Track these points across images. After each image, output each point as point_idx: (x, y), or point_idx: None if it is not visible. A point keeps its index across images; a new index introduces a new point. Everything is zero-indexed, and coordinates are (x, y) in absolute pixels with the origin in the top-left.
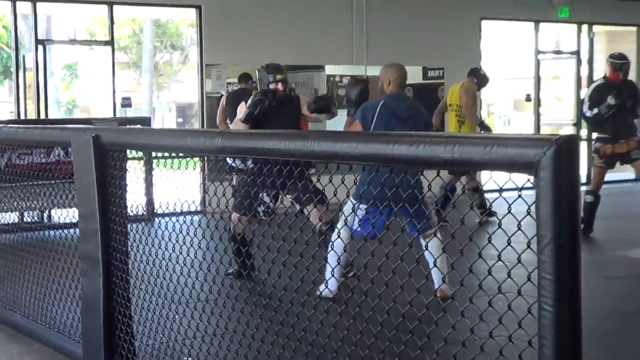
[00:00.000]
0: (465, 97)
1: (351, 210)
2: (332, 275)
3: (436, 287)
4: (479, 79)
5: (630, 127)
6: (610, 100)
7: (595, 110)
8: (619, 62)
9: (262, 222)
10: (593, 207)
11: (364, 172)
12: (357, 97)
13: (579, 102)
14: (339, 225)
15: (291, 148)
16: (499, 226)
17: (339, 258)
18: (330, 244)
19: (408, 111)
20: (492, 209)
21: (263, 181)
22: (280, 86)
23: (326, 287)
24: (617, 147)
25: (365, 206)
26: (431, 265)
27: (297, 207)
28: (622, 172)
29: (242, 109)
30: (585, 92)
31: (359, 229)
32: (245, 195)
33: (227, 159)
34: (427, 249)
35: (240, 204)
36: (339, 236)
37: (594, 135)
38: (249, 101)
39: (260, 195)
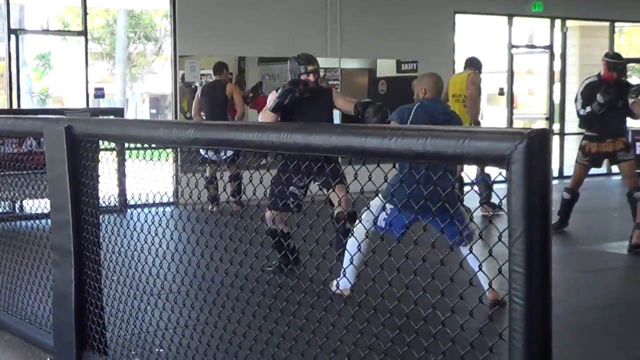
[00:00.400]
0: (473, 88)
1: (379, 209)
2: (344, 274)
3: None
4: (480, 69)
5: (618, 127)
6: (599, 98)
7: (589, 109)
8: (613, 61)
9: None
10: (570, 204)
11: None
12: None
13: (573, 99)
14: (359, 224)
15: (264, 140)
16: (471, 219)
17: (351, 258)
18: (347, 242)
19: (445, 114)
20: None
21: (293, 173)
22: (311, 77)
23: (337, 284)
24: (604, 146)
25: (392, 207)
26: (476, 269)
27: (325, 192)
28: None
29: (272, 99)
30: (578, 90)
31: (383, 225)
32: (279, 192)
33: (200, 150)
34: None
35: (275, 202)
36: (352, 234)
37: (571, 130)
38: (279, 90)
39: (291, 188)
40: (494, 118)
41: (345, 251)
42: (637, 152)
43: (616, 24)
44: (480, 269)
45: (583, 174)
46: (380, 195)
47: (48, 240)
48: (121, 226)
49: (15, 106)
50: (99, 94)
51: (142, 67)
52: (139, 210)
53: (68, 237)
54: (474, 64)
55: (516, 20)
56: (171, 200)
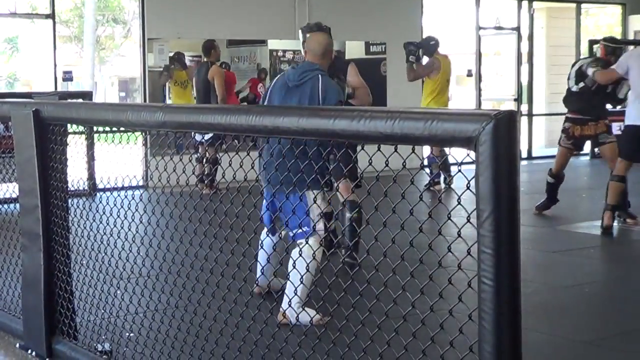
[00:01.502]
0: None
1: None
2: (262, 272)
3: (284, 308)
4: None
5: (601, 110)
6: (590, 70)
7: (582, 84)
8: (612, 45)
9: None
10: (555, 187)
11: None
12: None
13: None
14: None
15: (233, 122)
16: (439, 200)
17: (268, 257)
18: (260, 242)
19: (299, 79)
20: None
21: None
22: None
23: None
24: (586, 129)
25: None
26: (290, 275)
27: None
28: None
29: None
30: (571, 68)
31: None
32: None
33: (197, 134)
34: (294, 266)
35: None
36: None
37: (539, 111)
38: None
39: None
40: (462, 99)
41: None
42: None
43: (582, 5)
44: (288, 278)
45: (566, 157)
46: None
47: (17, 225)
48: (90, 210)
49: None
50: (67, 77)
51: (111, 50)
52: (109, 193)
53: (37, 222)
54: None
55: (483, 2)
56: (140, 183)
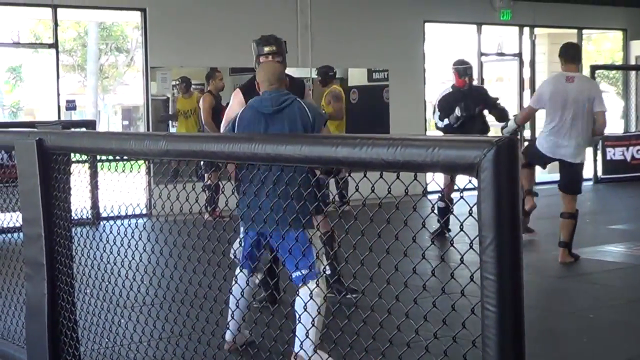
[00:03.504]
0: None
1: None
2: (228, 326)
3: (295, 351)
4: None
5: (479, 132)
6: (458, 112)
7: (446, 121)
8: (462, 67)
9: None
10: (447, 212)
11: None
12: None
13: (433, 110)
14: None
15: (235, 151)
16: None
17: (236, 305)
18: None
19: (277, 105)
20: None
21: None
22: (271, 59)
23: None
24: None
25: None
26: (301, 318)
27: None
28: None
29: (236, 101)
30: (435, 101)
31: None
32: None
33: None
34: (302, 305)
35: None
36: (236, 281)
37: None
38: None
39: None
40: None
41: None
42: (608, 157)
43: (584, 31)
44: (300, 320)
45: (451, 182)
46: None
47: (20, 254)
48: (94, 239)
49: None
50: (71, 106)
51: (114, 78)
52: (112, 222)
53: (40, 251)
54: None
55: (485, 28)
56: (144, 212)
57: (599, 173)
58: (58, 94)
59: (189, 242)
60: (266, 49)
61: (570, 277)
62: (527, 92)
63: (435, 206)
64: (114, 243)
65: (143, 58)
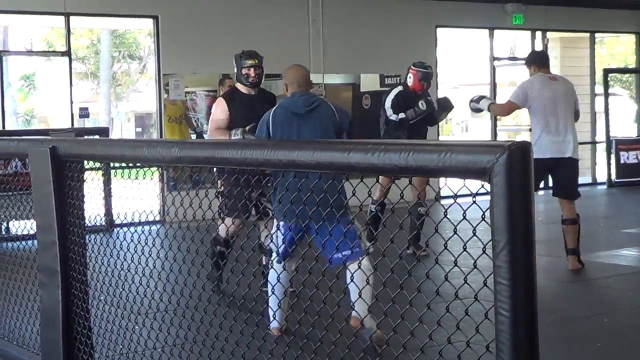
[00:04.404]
0: None
1: (277, 231)
2: (274, 310)
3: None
4: None
5: (424, 137)
6: (422, 105)
7: (402, 115)
8: (425, 71)
9: (256, 222)
10: (378, 219)
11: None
12: None
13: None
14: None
15: (248, 157)
16: (455, 232)
17: (272, 293)
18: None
19: (309, 105)
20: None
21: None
22: (252, 72)
23: (274, 320)
24: None
25: (283, 222)
26: (354, 297)
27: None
28: (581, 177)
29: (219, 109)
30: (387, 100)
31: (281, 249)
32: (238, 196)
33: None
34: (352, 280)
35: (233, 208)
36: (271, 266)
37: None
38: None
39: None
40: (478, 130)
41: (270, 293)
42: (621, 161)
43: (596, 34)
44: (360, 296)
45: (389, 185)
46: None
47: (35, 262)
48: (108, 246)
49: (0, 127)
50: (84, 113)
51: (127, 86)
52: (126, 229)
53: (54, 258)
54: None
55: (497, 33)
56: (157, 218)
57: (613, 177)
58: (71, 102)
59: (202, 248)
60: (249, 62)
61: (584, 282)
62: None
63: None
64: (128, 250)
65: (155, 65)
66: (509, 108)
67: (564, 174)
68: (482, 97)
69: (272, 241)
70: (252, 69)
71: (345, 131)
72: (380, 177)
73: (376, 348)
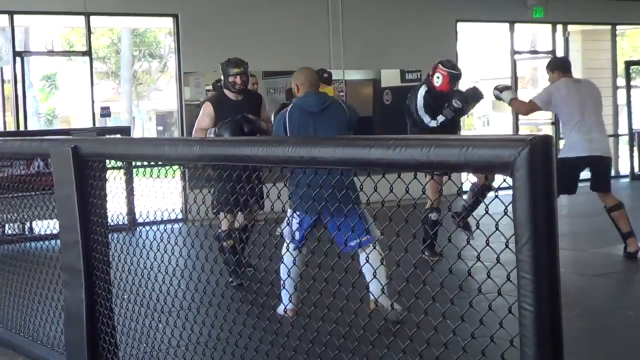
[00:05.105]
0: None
1: (292, 220)
2: (290, 300)
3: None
4: None
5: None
6: (456, 103)
7: (441, 118)
8: (455, 72)
9: (248, 216)
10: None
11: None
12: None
13: (411, 114)
14: (282, 250)
15: (269, 154)
16: (477, 227)
17: (287, 276)
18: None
19: (321, 104)
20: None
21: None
22: (238, 79)
23: (285, 306)
24: None
25: (299, 212)
26: (369, 277)
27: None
28: None
29: (205, 112)
30: (417, 104)
31: (296, 236)
32: (221, 191)
33: None
34: (367, 261)
35: (225, 202)
36: (287, 251)
37: None
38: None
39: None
40: (499, 124)
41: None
42: None
43: (617, 27)
44: (374, 276)
45: (436, 189)
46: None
47: (58, 261)
48: (130, 244)
49: (22, 128)
50: (105, 113)
51: (148, 84)
52: (148, 228)
53: (78, 257)
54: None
55: (518, 26)
56: (180, 216)
57: (636, 169)
58: (92, 101)
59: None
60: (235, 70)
61: (607, 275)
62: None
63: (428, 218)
64: (151, 248)
65: (176, 63)
66: (530, 108)
67: (597, 170)
68: (506, 88)
69: (285, 228)
70: (237, 77)
71: (355, 125)
72: (429, 183)
73: (391, 328)
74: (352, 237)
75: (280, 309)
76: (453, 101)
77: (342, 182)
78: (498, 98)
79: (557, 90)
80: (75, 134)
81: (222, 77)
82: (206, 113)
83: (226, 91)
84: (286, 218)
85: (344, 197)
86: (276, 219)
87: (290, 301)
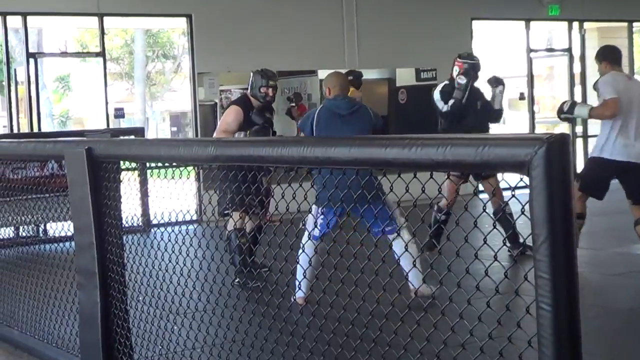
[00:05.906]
0: None
1: (313, 218)
2: (299, 287)
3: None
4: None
5: (483, 130)
6: (456, 93)
7: (451, 101)
8: (472, 62)
9: (261, 216)
10: (444, 223)
11: (319, 176)
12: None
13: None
14: (303, 239)
15: (284, 154)
16: (494, 227)
17: (304, 271)
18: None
19: (350, 109)
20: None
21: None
22: (270, 92)
23: (295, 293)
24: None
25: (322, 209)
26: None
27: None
28: None
29: (232, 117)
30: (435, 93)
31: (316, 232)
32: (236, 191)
33: None
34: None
35: (240, 202)
36: (303, 250)
37: (594, 132)
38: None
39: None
40: (516, 123)
41: (298, 265)
42: None
43: (634, 23)
44: (398, 263)
45: (455, 190)
46: (314, 204)
47: (72, 263)
48: (145, 246)
49: (36, 129)
50: (119, 114)
51: (162, 85)
52: (163, 229)
53: (92, 259)
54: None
55: (533, 24)
56: (194, 218)
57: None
58: (106, 102)
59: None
60: (270, 83)
61: (627, 274)
62: (577, 88)
63: (433, 217)
64: (165, 250)
65: (190, 64)
66: (614, 105)
67: (632, 178)
68: (574, 104)
69: (309, 217)
70: (270, 89)
71: (379, 131)
72: (446, 183)
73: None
74: (376, 224)
75: (299, 295)
76: (455, 91)
77: (365, 173)
78: (569, 120)
79: (615, 83)
80: (89, 135)
81: (250, 84)
82: (235, 118)
83: (251, 98)
84: (311, 212)
85: (367, 184)
86: (292, 219)
87: (300, 288)
